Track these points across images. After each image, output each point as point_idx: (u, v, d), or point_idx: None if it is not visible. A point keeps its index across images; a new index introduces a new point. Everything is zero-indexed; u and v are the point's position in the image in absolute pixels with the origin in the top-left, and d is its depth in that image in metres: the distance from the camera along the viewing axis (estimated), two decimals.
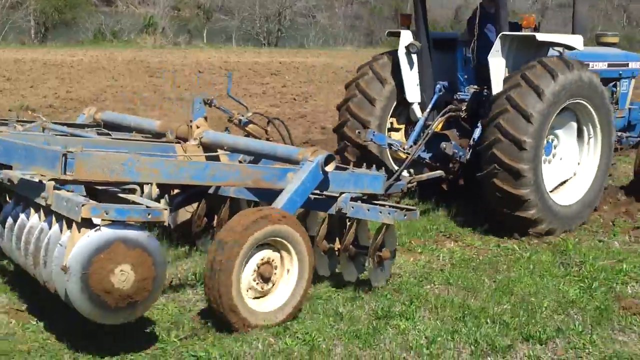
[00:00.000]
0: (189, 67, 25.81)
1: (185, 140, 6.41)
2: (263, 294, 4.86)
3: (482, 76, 7.85)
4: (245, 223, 4.61)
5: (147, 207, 4.20)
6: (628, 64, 9.14)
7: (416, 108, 8.32)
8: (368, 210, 5.53)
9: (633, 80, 9.26)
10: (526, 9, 71.04)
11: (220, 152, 6.34)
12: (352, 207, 5.54)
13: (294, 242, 4.86)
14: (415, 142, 7.81)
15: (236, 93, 19.05)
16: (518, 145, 6.89)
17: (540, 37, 7.43)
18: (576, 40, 7.58)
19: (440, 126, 7.95)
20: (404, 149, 7.82)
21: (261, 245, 4.75)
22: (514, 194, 6.97)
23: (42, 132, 6.34)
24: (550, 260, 6.63)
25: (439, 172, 7.17)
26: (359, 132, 7.79)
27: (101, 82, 20.10)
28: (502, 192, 7.01)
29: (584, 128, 7.80)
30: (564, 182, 7.76)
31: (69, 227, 4.17)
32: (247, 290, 4.73)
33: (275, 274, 4.87)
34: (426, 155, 7.83)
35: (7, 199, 5.39)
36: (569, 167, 7.78)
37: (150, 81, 21.22)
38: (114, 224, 4.04)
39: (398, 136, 8.47)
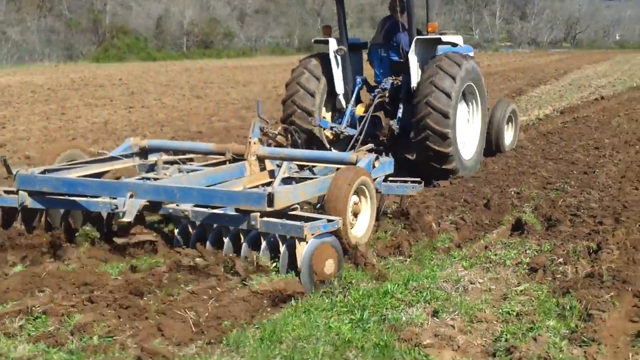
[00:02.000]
0: None
1: (241, 156, 8.20)
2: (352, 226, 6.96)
3: (396, 70, 10.76)
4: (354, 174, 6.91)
5: (329, 220, 6.19)
6: (468, 54, 10.83)
7: (341, 98, 10.79)
8: (397, 187, 8.00)
9: None
10: (227, 14, 72.34)
11: (267, 162, 8.23)
12: (385, 187, 7.92)
13: (370, 189, 7.14)
14: (348, 124, 10.57)
15: None
16: (444, 115, 9.52)
17: (445, 39, 10.27)
18: (459, 39, 10.82)
19: (362, 110, 10.78)
20: (341, 131, 10.45)
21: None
22: (442, 151, 9.62)
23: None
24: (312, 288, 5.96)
25: (370, 145, 8.76)
26: (311, 119, 10.19)
27: None
28: (433, 151, 9.64)
29: (470, 104, 10.70)
30: (463, 144, 10.36)
31: (283, 242, 6.04)
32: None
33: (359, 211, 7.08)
34: (353, 132, 10.36)
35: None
36: (463, 134, 10.39)
37: None
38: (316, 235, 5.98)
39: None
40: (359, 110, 10.80)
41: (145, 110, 19.64)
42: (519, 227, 7.70)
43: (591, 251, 6.67)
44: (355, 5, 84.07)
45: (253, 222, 6.12)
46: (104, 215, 7.16)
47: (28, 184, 7.13)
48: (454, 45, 10.37)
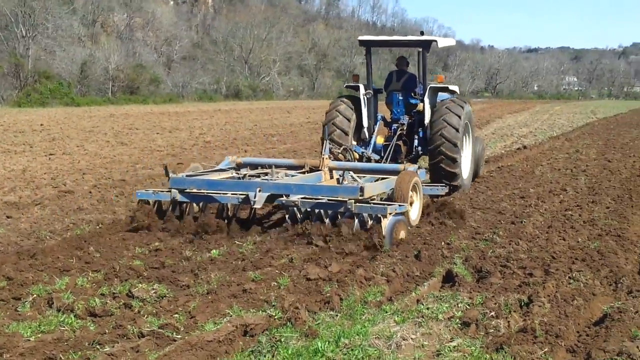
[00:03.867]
0: None
1: (316, 168, 11.12)
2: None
3: (409, 110, 13.86)
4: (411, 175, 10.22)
5: (400, 205, 9.30)
6: (465, 99, 14.10)
7: (366, 131, 13.66)
8: (430, 189, 11.52)
9: None
10: (153, 60, 71.80)
11: (334, 173, 11.24)
12: (422, 189, 10.53)
13: (419, 187, 10.37)
14: (373, 151, 13.43)
15: None
16: (454, 144, 12.56)
17: (451, 87, 13.55)
18: (456, 88, 13.83)
19: (383, 139, 13.66)
20: (368, 155, 13.22)
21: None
22: (453, 171, 12.65)
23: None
24: (239, 347, 5.67)
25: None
26: (348, 146, 12.99)
27: None
28: (446, 171, 12.64)
29: (464, 136, 13.35)
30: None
31: (371, 219, 8.94)
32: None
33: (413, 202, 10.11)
34: (377, 157, 13.32)
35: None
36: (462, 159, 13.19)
37: None
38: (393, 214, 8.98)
39: None
40: (379, 140, 13.67)
41: (67, 157, 19.01)
42: (450, 278, 7.62)
43: (522, 304, 6.60)
44: (283, 53, 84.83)
45: (349, 206, 8.94)
46: (230, 207, 10.28)
47: (179, 184, 10.08)
48: (452, 92, 13.55)
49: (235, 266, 7.86)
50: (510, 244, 9.02)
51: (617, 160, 18.85)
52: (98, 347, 5.52)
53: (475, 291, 7.07)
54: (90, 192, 13.11)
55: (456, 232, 9.81)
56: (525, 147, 23.07)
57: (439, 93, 13.54)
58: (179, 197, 9.91)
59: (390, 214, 8.86)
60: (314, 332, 5.95)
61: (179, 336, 5.77)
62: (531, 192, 13.36)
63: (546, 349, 5.44)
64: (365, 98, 13.58)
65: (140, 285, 7.06)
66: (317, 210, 9.27)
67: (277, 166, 11.33)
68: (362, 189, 9.09)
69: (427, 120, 13.15)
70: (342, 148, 12.65)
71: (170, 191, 9.96)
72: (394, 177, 10.14)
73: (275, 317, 6.23)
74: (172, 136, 26.33)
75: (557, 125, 34.96)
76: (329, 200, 9.33)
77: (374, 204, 9.23)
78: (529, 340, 5.62)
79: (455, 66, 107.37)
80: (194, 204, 10.26)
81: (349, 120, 13.33)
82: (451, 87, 13.56)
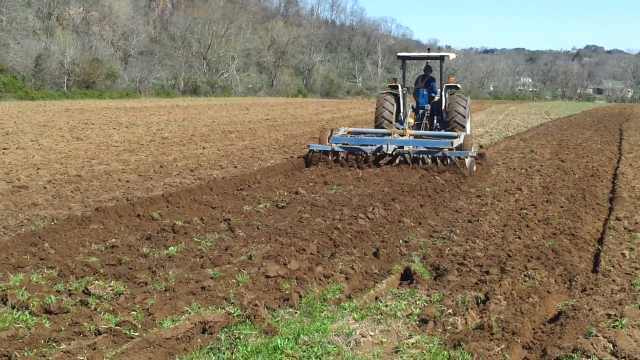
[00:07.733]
0: None
1: (403, 134, 17.34)
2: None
3: (430, 100, 19.98)
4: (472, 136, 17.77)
5: (472, 151, 16.31)
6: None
7: (402, 114, 19.36)
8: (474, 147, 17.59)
9: None
10: (110, 54, 70.69)
11: (411, 137, 17.37)
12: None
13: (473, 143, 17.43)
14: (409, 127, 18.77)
15: None
16: (463, 117, 18.53)
17: (458, 85, 19.65)
18: (460, 86, 19.94)
19: (413, 120, 19.58)
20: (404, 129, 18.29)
21: None
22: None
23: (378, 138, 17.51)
24: (197, 344, 5.64)
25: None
26: (396, 122, 19.24)
27: None
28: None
29: (467, 117, 18.90)
30: None
31: (458, 159, 15.66)
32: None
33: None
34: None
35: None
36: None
37: None
38: (469, 156, 15.87)
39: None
40: (411, 121, 19.21)
41: (21, 151, 18.68)
42: (408, 276, 7.68)
43: (479, 301, 6.69)
44: (242, 50, 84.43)
45: (445, 152, 15.60)
46: (364, 155, 16.46)
47: (337, 140, 16.89)
48: (457, 88, 19.47)
49: (194, 263, 7.81)
50: (467, 242, 9.12)
51: (571, 161, 19.17)
52: (54, 344, 5.45)
53: (433, 289, 7.14)
54: (45, 188, 12.90)
55: (414, 230, 9.88)
56: (481, 146, 23.29)
57: (448, 89, 19.55)
58: (337, 148, 16.52)
59: (469, 156, 15.51)
60: (273, 330, 5.94)
61: (137, 333, 5.71)
62: (487, 191, 13.53)
63: (503, 346, 5.52)
64: (403, 93, 19.51)
65: (96, 282, 6.98)
66: (421, 156, 15.94)
67: (375, 134, 17.68)
68: (452, 142, 15.90)
69: (443, 107, 19.26)
70: (412, 124, 19.24)
71: (331, 144, 16.69)
72: (458, 138, 16.49)
73: (234, 314, 6.22)
74: (129, 132, 26.01)
75: (512, 126, 35.43)
76: (431, 148, 15.83)
77: (458, 151, 15.76)
78: (486, 337, 5.70)
79: (414, 66, 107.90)
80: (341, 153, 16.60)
81: (391, 112, 19.10)
82: (458, 85, 19.64)
